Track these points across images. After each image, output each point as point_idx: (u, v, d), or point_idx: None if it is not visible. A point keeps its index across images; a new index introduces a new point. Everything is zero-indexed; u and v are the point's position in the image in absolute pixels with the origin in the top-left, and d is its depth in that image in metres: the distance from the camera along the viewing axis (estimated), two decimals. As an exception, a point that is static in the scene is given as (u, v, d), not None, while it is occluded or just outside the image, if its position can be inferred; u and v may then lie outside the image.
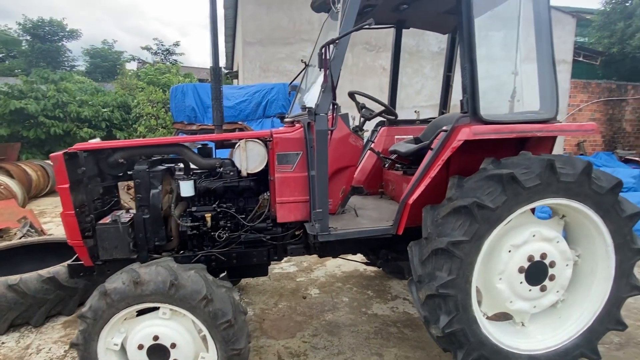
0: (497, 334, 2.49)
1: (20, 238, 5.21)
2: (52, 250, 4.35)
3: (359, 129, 3.13)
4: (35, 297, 3.33)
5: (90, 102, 11.89)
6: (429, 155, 2.60)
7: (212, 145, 3.22)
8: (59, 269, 3.48)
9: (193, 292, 2.15)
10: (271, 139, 2.72)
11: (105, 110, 12.11)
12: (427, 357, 2.91)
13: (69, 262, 2.78)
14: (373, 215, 3.04)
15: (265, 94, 7.79)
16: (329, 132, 2.50)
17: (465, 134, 2.39)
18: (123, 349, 2.30)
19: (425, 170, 2.54)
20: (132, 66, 24.80)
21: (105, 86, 16.50)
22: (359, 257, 4.21)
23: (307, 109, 2.50)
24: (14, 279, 3.29)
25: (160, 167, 2.79)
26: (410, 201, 2.55)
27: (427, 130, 3.51)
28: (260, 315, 3.57)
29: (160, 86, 12.96)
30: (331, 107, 2.50)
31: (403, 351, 2.99)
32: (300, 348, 3.06)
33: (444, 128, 2.61)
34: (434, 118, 3.90)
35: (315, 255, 3.18)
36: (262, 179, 2.89)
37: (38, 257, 4.27)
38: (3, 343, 3.15)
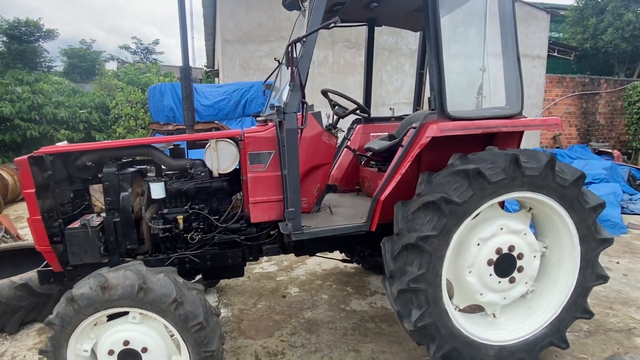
0: (469, 326, 2.54)
1: (-8, 245, 5.06)
2: (27, 256, 4.24)
3: (332, 127, 3.15)
4: (9, 304, 3.25)
5: (67, 104, 11.62)
6: (400, 152, 2.63)
7: (185, 145, 3.19)
8: (32, 275, 3.40)
9: (162, 295, 2.13)
10: (243, 138, 2.71)
11: (83, 111, 11.84)
12: (402, 351, 2.96)
13: (39, 268, 2.72)
14: (348, 213, 3.06)
15: (244, 92, 7.74)
16: (299, 130, 2.50)
17: (433, 130, 2.43)
18: (94, 354, 2.27)
19: (396, 166, 2.57)
20: (111, 66, 24.29)
21: (84, 87, 16.11)
22: (338, 254, 4.24)
23: (275, 108, 2.49)
24: (-17, 287, 3.20)
25: (130, 169, 2.75)
26: (382, 197, 2.58)
27: (400, 127, 3.55)
28: (238, 316, 3.56)
29: (141, 86, 12.74)
30: (300, 105, 2.50)
31: (380, 346, 3.03)
32: (278, 347, 3.06)
33: (413, 125, 2.64)
34: (407, 115, 3.94)
35: (295, 254, 3.19)
36: (234, 179, 2.88)
37: (12, 262, 4.16)
38: (-28, 353, 3.07)
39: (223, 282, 4.23)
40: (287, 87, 2.52)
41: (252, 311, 3.65)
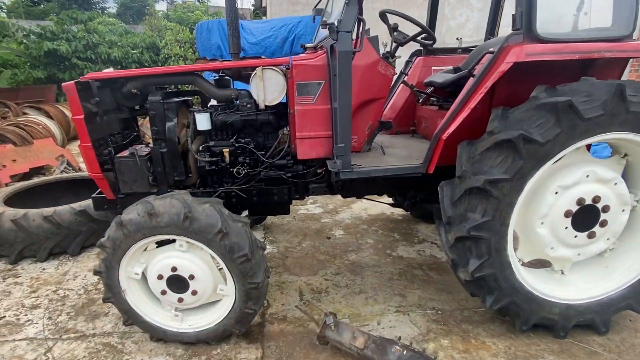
0: (532, 281, 2.30)
1: (58, 175, 5.44)
2: (86, 186, 4.49)
3: (390, 56, 2.79)
4: (70, 228, 3.46)
5: (119, 43, 11.82)
6: (470, 83, 2.26)
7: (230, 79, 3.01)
8: (90, 203, 3.57)
9: (208, 225, 2.08)
10: (290, 66, 2.46)
11: (134, 51, 12.03)
12: (452, 300, 2.80)
13: (93, 195, 2.79)
14: (401, 154, 2.79)
15: (292, 28, 7.30)
16: (353, 54, 2.19)
17: (516, 54, 2.02)
18: (145, 278, 2.33)
19: (465, 100, 2.23)
20: (161, 7, 24.22)
21: (135, 28, 16.27)
22: (386, 199, 4.04)
23: (327, 26, 2.19)
24: (48, 211, 3.41)
25: (175, 99, 2.64)
26: (445, 136, 2.27)
27: (470, 59, 3.09)
28: (283, 253, 3.56)
29: (189, 25, 12.56)
30: (356, 24, 2.18)
31: (428, 293, 2.89)
32: (322, 285, 3.03)
33: (490, 50, 2.23)
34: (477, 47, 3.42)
35: (341, 198, 3.03)
36: (281, 112, 2.68)
37: (73, 191, 4.43)
38: (44, 269, 3.35)
39: (269, 220, 4.24)
40: (342, 2, 2.18)
41: (297, 249, 3.64)
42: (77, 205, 3.52)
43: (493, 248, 2.15)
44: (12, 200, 3.92)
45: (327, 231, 4.04)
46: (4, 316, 2.70)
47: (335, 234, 3.97)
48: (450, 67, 3.26)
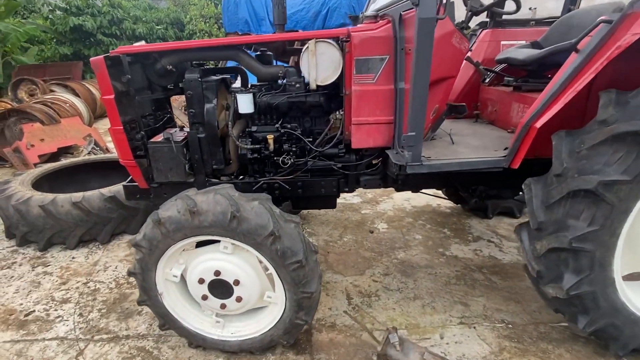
0: (637, 300, 1.93)
1: (85, 155, 5.29)
2: (116, 169, 4.30)
3: (464, 27, 2.37)
4: (99, 215, 3.27)
5: (143, 19, 11.55)
6: (573, 60, 1.84)
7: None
8: (120, 188, 3.36)
9: (258, 226, 1.79)
10: (348, 39, 2.09)
11: (159, 27, 11.75)
12: (523, 312, 2.46)
13: (124, 183, 2.55)
14: (472, 143, 2.41)
15: (326, 1, 6.80)
16: (435, 22, 1.81)
17: (650, 23, 1.59)
18: (183, 280, 2.09)
19: (568, 81, 1.81)
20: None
21: (159, 4, 15.93)
22: (433, 190, 3.67)
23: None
24: (77, 196, 3.22)
25: (214, 77, 2.33)
26: (539, 124, 1.88)
27: (552, 32, 2.63)
28: (324, 248, 3.28)
29: None
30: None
31: (493, 302, 2.56)
32: (370, 287, 2.74)
33: (603, 18, 1.79)
34: (556, 18, 2.94)
35: (395, 188, 2.70)
36: (333, 93, 2.34)
37: (102, 174, 4.26)
38: (73, 258, 3.19)
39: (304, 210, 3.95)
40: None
41: (339, 244, 3.34)
42: (106, 191, 3.31)
43: (597, 263, 1.78)
44: (40, 183, 3.76)
45: (369, 224, 3.72)
46: (33, 310, 2.53)
47: (379, 227, 3.65)
48: (526, 42, 2.80)
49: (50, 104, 6.47)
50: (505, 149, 2.18)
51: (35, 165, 4.71)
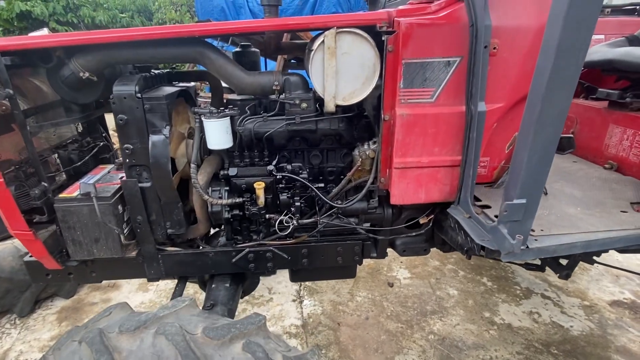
0: None
1: None
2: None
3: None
4: (13, 279, 2.29)
5: (105, 5, 10.22)
6: None
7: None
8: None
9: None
10: (392, 28, 1.23)
11: (123, 15, 10.45)
12: None
13: (26, 257, 1.60)
14: (573, 193, 1.58)
15: (315, -13, 5.87)
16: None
17: None
18: None
19: None
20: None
21: (126, -10, 14.47)
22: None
23: None
24: (-23, 253, 2.24)
25: (167, 90, 1.42)
26: None
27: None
28: (332, 316, 2.41)
29: (186, -15, 10.93)
30: None
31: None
32: (405, 389, 1.91)
33: None
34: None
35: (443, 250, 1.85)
36: (359, 116, 1.48)
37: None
38: (-29, 346, 2.21)
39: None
40: None
41: (351, 308, 2.49)
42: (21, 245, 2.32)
43: None
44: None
45: (386, 272, 2.88)
46: None
47: (399, 276, 2.82)
48: (617, 39, 1.99)
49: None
50: (637, 204, 1.37)
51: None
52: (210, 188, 1.53)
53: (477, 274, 2.85)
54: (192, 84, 1.76)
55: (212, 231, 1.78)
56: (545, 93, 0.94)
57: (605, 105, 1.86)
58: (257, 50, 1.74)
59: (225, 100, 1.61)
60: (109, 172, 1.64)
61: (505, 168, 1.65)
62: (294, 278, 1.86)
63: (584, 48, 0.91)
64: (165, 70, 1.67)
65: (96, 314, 1.11)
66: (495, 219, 1.28)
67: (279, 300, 2.55)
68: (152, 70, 1.58)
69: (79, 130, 1.86)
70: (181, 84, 1.68)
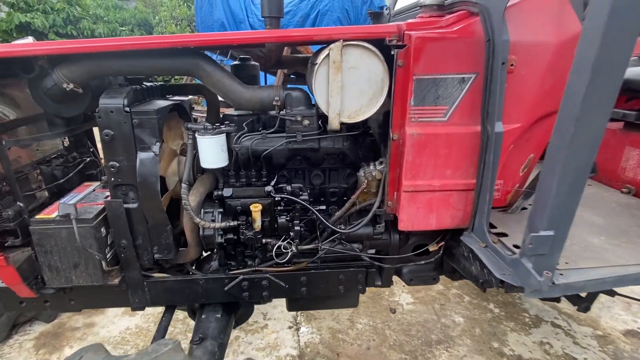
0: None
1: None
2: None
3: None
4: (-12, 302, 2.13)
5: (105, 18, 10.25)
6: None
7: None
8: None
9: None
10: (402, 42, 1.14)
11: (123, 29, 10.48)
12: None
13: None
14: (594, 221, 1.47)
15: (315, 3, 5.87)
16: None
17: None
18: None
19: None
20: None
21: (128, 5, 14.61)
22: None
23: None
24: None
25: (158, 103, 1.32)
26: None
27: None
28: (331, 346, 2.26)
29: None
30: None
31: None
32: None
33: None
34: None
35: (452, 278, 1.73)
36: (364, 135, 1.38)
37: None
38: (-62, 377, 2.04)
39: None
40: None
41: (351, 336, 2.34)
42: None
43: None
44: None
45: (388, 296, 2.74)
46: None
47: (401, 302, 2.68)
48: (636, 57, 1.92)
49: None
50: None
51: None
52: (202, 210, 1.41)
53: (483, 299, 2.71)
54: (188, 97, 1.66)
55: (205, 254, 1.65)
56: (579, 114, 0.84)
57: (620, 126, 1.77)
58: (257, 64, 1.66)
59: (222, 116, 1.51)
60: (93, 190, 1.52)
61: (519, 192, 1.55)
62: (292, 307, 1.72)
63: (624, 64, 0.82)
64: (159, 83, 1.58)
65: (67, 357, 0.98)
66: (515, 249, 1.17)
67: (275, 326, 2.40)
68: (145, 83, 1.48)
69: (65, 145, 1.76)
70: (176, 98, 1.58)
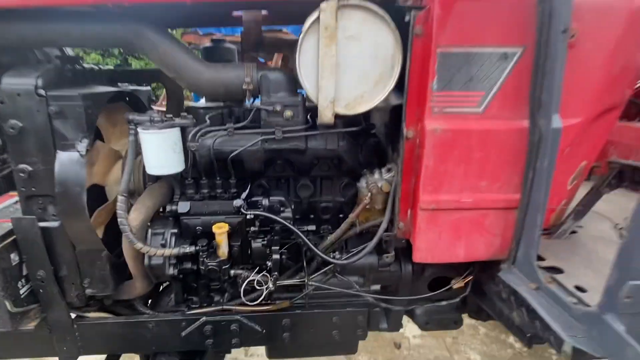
0: None
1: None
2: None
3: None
4: None
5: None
6: None
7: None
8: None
9: None
10: (422, 2, 0.81)
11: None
12: None
13: None
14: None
15: None
16: None
17: None
18: None
19: None
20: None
21: None
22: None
23: None
24: None
25: (95, 88, 0.98)
26: None
27: None
28: (325, 390, 1.88)
29: None
30: None
31: None
32: None
33: None
34: None
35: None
36: (368, 130, 1.04)
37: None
38: None
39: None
40: None
41: (348, 379, 1.96)
42: None
43: None
44: None
45: (391, 327, 2.36)
46: None
47: (407, 334, 2.31)
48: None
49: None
50: None
51: None
52: (150, 230, 1.06)
53: (500, 331, 2.34)
54: (147, 87, 1.33)
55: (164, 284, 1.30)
56: None
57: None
58: (233, 46, 1.33)
59: (185, 107, 1.17)
60: (16, 202, 1.17)
61: (564, 210, 1.21)
62: (272, 354, 1.35)
63: None
64: (107, 67, 1.25)
65: None
66: (579, 292, 0.82)
67: (258, 364, 2.03)
68: (84, 65, 1.14)
69: (-4, 145, 1.42)
70: (132, 87, 1.24)
